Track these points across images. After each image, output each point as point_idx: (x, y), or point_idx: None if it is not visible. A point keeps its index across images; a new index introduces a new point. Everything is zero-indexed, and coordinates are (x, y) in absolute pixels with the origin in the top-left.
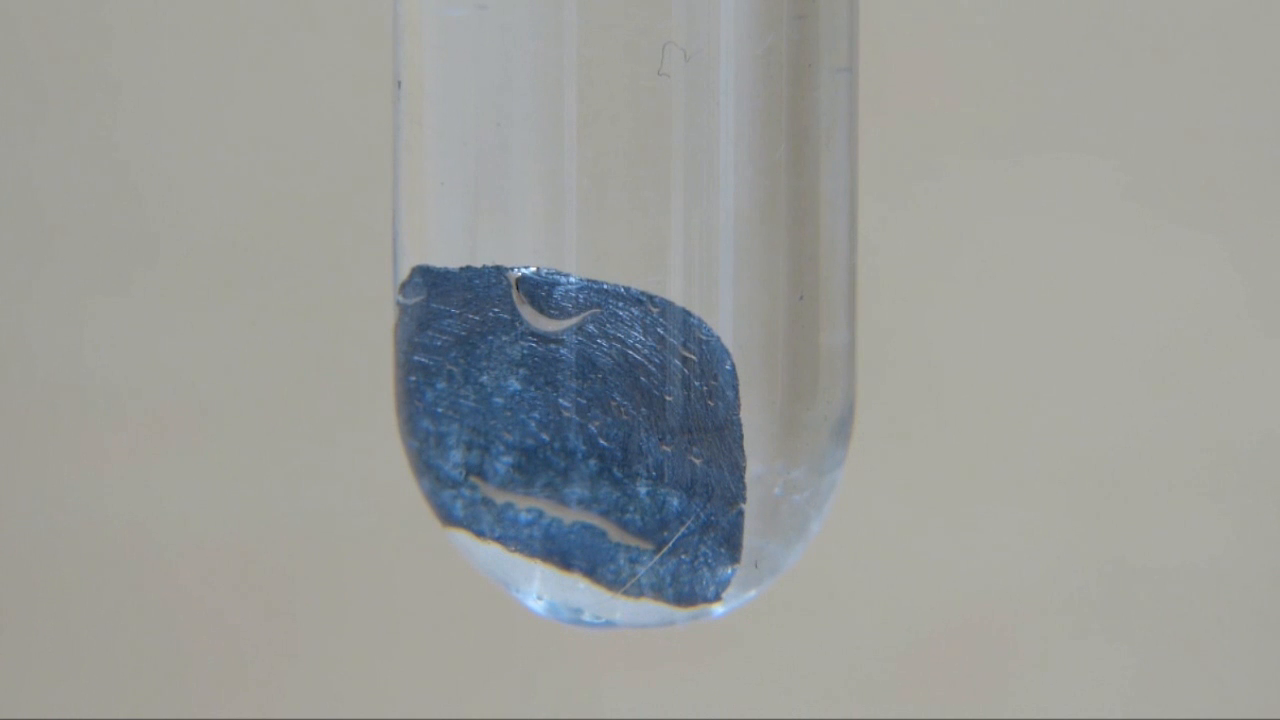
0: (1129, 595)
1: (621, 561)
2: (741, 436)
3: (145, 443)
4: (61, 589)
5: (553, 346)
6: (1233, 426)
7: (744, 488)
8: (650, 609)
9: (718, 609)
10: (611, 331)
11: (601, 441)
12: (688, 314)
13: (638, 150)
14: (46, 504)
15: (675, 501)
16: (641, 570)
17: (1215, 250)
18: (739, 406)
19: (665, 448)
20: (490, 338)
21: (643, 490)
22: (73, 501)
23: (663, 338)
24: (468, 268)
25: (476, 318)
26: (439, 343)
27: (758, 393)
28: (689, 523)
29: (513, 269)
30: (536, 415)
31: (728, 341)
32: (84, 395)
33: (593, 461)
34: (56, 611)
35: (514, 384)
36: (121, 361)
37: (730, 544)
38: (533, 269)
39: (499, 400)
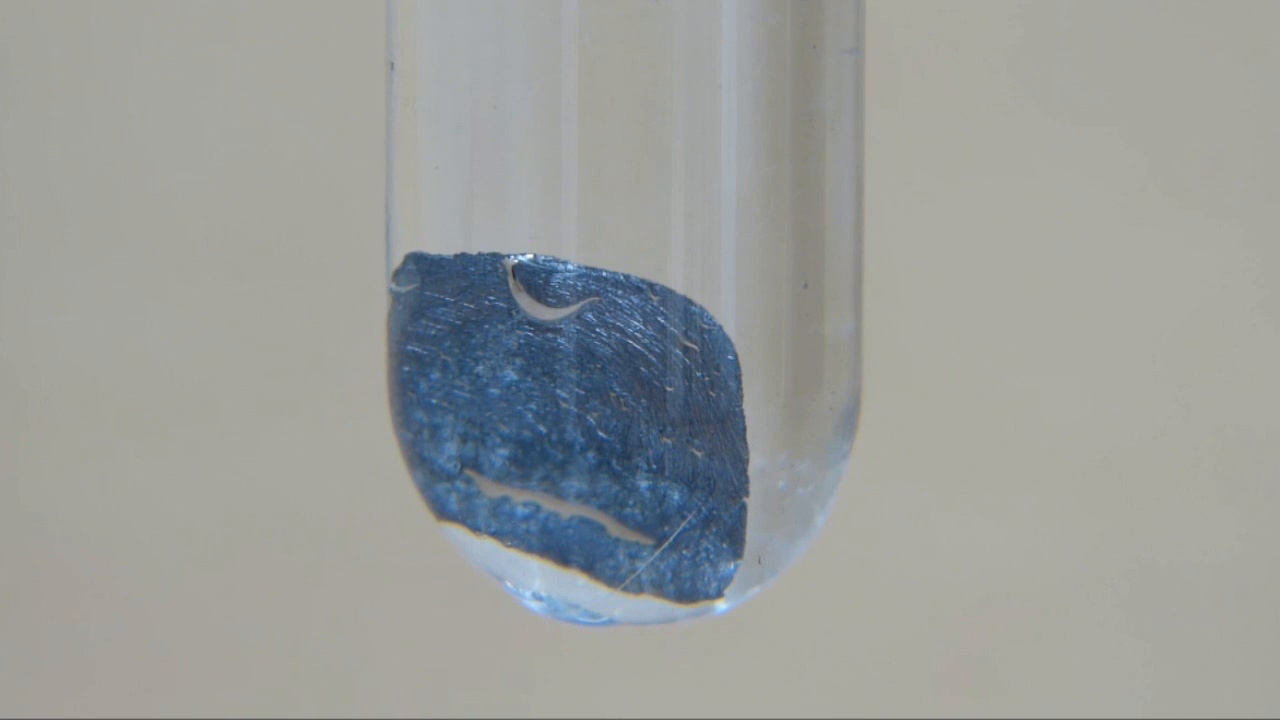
0: (1140, 589)
1: (621, 557)
2: (744, 429)
3: (130, 435)
4: (41, 586)
5: (550, 335)
6: (1246, 419)
7: (747, 481)
8: (650, 606)
9: (720, 605)
10: (611, 320)
11: (600, 433)
12: (689, 302)
13: (638, 133)
14: (26, 498)
15: (676, 495)
16: (641, 566)
17: (1228, 242)
18: (742, 398)
19: (666, 440)
20: (486, 327)
21: (643, 484)
22: (52, 495)
23: (663, 327)
24: (463, 255)
25: (472, 306)
26: (433, 332)
27: (761, 384)
28: (690, 517)
29: (509, 256)
30: (533, 406)
31: (730, 331)
32: (63, 386)
33: (591, 454)
34: (39, 609)
35: (510, 374)
36: (104, 351)
37: (733, 539)
38: (529, 256)
39: (495, 391)
